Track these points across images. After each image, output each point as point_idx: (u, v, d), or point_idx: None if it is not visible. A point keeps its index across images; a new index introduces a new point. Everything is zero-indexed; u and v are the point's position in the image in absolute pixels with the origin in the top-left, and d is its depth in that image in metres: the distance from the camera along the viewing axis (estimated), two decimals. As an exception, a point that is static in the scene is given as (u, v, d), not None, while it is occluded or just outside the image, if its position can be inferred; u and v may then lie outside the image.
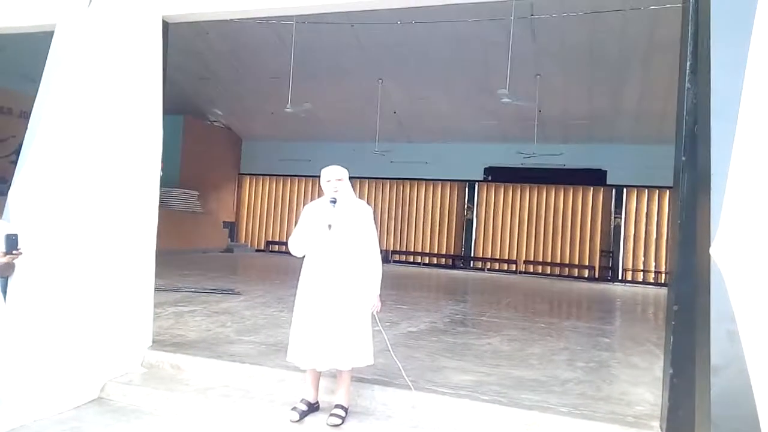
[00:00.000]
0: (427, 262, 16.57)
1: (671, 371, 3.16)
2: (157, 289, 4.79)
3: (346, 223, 3.57)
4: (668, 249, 13.06)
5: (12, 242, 3.13)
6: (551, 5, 9.38)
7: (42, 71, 4.21)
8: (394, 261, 16.31)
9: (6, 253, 3.13)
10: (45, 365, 3.62)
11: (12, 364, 3.25)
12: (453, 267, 16.09)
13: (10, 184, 3.85)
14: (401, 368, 3.84)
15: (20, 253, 3.17)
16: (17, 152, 4.11)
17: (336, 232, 3.53)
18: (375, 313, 3.63)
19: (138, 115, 4.41)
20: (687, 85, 3.22)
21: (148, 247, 4.49)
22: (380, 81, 12.97)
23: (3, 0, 4.84)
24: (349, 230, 3.57)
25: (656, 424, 3.42)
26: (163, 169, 4.68)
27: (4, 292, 3.36)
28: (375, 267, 3.60)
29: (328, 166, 3.68)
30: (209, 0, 4.56)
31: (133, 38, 4.41)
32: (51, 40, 4.34)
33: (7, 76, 11.90)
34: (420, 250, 16.70)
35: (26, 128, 4.03)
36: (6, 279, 3.36)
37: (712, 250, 2.59)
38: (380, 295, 3.64)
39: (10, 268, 3.28)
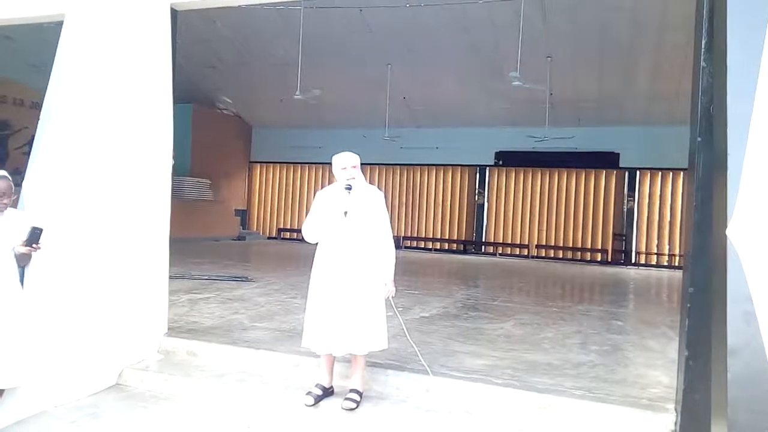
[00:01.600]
0: (438, 247, 16.57)
1: (687, 353, 3.14)
2: (171, 277, 4.83)
3: (361, 209, 3.57)
4: (683, 231, 12.97)
5: (35, 236, 3.16)
6: (562, -15, 9.25)
7: (52, 62, 4.22)
8: (406, 247, 16.31)
9: (27, 245, 3.16)
10: (63, 352, 3.67)
11: (31, 351, 3.30)
12: (464, 252, 16.07)
13: (24, 175, 3.88)
14: (418, 352, 3.85)
15: (39, 248, 3.21)
16: (30, 143, 4.14)
17: (351, 218, 3.53)
18: (390, 297, 3.64)
19: (148, 105, 4.41)
20: (702, 63, 3.16)
21: (161, 236, 4.52)
22: (389, 66, 12.88)
23: (11, -9, 4.84)
24: (364, 216, 3.57)
25: (672, 406, 3.41)
26: (174, 158, 4.70)
27: (22, 281, 3.40)
28: (388, 252, 3.61)
29: (339, 153, 3.67)
30: (217, -13, 4.53)
31: (142, 27, 4.40)
32: (60, 31, 4.34)
33: (17, 66, 11.96)
34: (431, 236, 16.69)
35: (38, 119, 4.05)
36: (23, 268, 3.40)
37: (728, 231, 2.56)
38: (394, 281, 3.64)
39: (27, 258, 3.32)
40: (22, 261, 3.33)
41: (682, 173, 13.64)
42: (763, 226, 2.54)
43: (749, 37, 2.75)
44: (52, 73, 4.18)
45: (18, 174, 3.60)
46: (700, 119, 3.15)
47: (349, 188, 3.54)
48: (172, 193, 4.68)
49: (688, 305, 3.16)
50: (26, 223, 3.22)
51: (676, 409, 3.31)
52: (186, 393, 3.92)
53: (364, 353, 3.59)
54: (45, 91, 4.13)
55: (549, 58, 11.40)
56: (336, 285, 3.53)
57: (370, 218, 3.59)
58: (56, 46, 4.26)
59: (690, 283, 3.15)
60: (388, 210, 3.76)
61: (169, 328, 4.64)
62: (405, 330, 3.93)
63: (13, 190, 3.28)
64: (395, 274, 3.65)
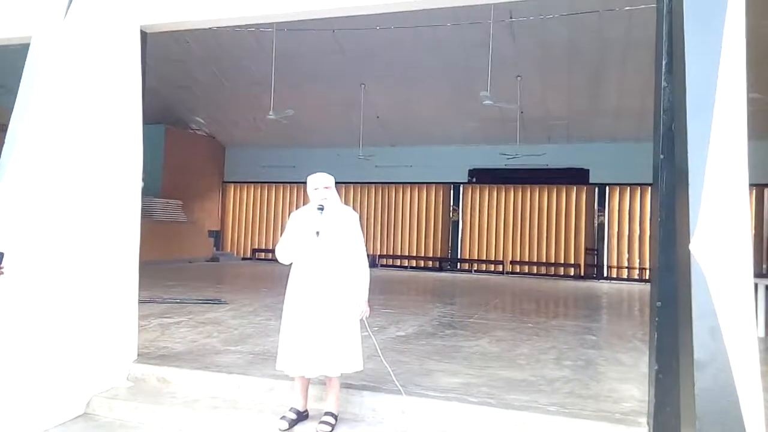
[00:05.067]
0: (414, 265, 16.60)
1: (656, 367, 3.19)
2: (141, 301, 4.73)
3: (334, 229, 3.56)
4: (650, 246, 13.22)
5: None
6: (529, 7, 9.47)
7: (18, 83, 4.16)
8: (381, 265, 16.31)
9: (-13, 270, 3.08)
10: (29, 381, 3.56)
11: (-7, 382, 3.20)
12: (440, 269, 16.13)
13: (-13, 199, 3.79)
14: (391, 372, 3.83)
15: (2, 272, 3.12)
16: (-6, 166, 4.05)
17: (324, 238, 3.53)
18: (364, 318, 3.62)
19: (118, 126, 4.36)
20: (663, 83, 3.26)
21: (131, 259, 4.44)
22: (363, 86, 13.00)
23: (-23, 13, 4.77)
24: (337, 237, 3.56)
25: (644, 420, 3.45)
26: (144, 180, 4.64)
27: (-16, 310, 3.30)
28: (363, 272, 3.60)
29: (314, 173, 3.68)
30: (187, 9, 4.52)
31: (111, 49, 4.37)
32: (27, 52, 4.28)
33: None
34: (407, 254, 16.72)
35: (3, 141, 3.97)
36: (-15, 296, 3.31)
37: (691, 246, 2.63)
38: (368, 300, 3.63)
39: (-11, 284, 3.23)
40: (-15, 288, 3.23)
41: (650, 188, 13.94)
42: (726, 241, 2.61)
43: (707, 57, 2.86)
44: (18, 95, 4.11)
45: (-19, 198, 3.51)
46: (662, 137, 3.24)
47: (321, 209, 3.54)
48: (142, 215, 4.61)
49: (657, 319, 3.21)
50: None
51: (648, 423, 3.35)
52: (156, 421, 3.82)
53: (337, 375, 3.56)
54: (10, 113, 4.05)
55: (519, 77, 11.65)
56: (309, 306, 3.50)
57: (343, 238, 3.58)
58: (23, 68, 4.20)
59: (658, 298, 3.21)
60: (363, 230, 3.77)
61: (139, 354, 4.54)
62: (378, 351, 3.91)
63: None
64: (370, 294, 3.64)
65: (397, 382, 3.80)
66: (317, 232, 3.51)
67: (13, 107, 4.07)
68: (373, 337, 3.88)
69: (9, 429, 3.41)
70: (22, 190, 3.78)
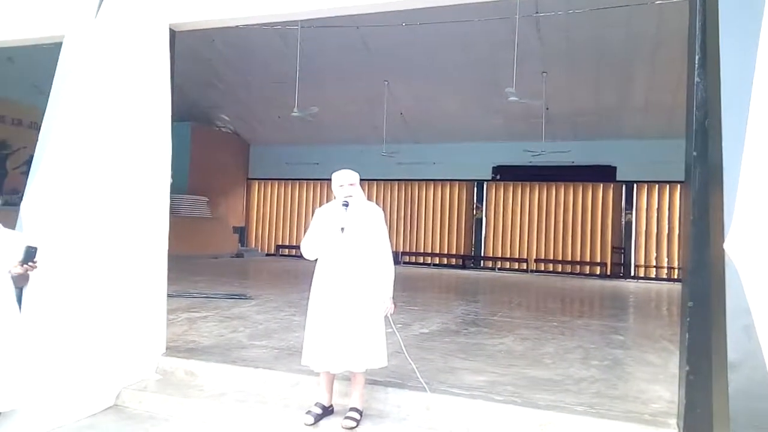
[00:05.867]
0: (437, 262, 16.56)
1: (687, 368, 3.13)
2: (169, 296, 4.81)
3: (359, 226, 3.57)
4: (681, 245, 12.95)
5: (30, 254, 3.16)
6: (556, 2, 9.35)
7: (51, 83, 4.25)
8: (404, 262, 16.29)
9: (22, 264, 3.16)
10: (61, 374, 3.65)
11: (29, 373, 3.27)
12: (463, 267, 16.05)
13: (22, 195, 3.89)
14: (415, 369, 3.83)
15: (35, 266, 3.20)
16: (28, 163, 4.15)
17: (348, 235, 3.54)
18: (388, 315, 3.63)
19: (147, 124, 4.43)
20: (696, 78, 3.19)
21: (160, 254, 4.52)
22: (386, 83, 12.98)
23: (11, 13, 4.89)
24: (362, 233, 3.57)
25: (673, 421, 3.39)
26: (173, 177, 4.71)
27: (19, 302, 3.39)
28: (387, 269, 3.60)
29: (338, 170, 3.69)
30: (215, 8, 4.57)
31: (141, 48, 4.44)
32: (59, 52, 4.38)
33: (17, 87, 12.03)
34: (430, 251, 16.68)
35: (37, 139, 4.07)
36: (21, 289, 3.39)
37: (726, 245, 2.57)
38: (393, 297, 3.63)
39: (25, 279, 3.31)
40: (20, 282, 3.32)
41: (679, 186, 13.69)
42: (761, 239, 2.55)
43: (742, 51, 2.78)
44: (51, 94, 4.21)
45: (16, 194, 3.61)
46: (695, 133, 3.17)
47: (346, 205, 3.56)
48: (170, 211, 4.68)
49: (688, 319, 3.15)
50: (20, 243, 3.22)
51: (678, 425, 3.29)
52: (184, 413, 3.88)
53: (361, 371, 3.57)
54: (44, 112, 4.15)
55: (544, 74, 11.51)
56: (334, 302, 3.52)
57: (367, 235, 3.59)
58: (55, 67, 4.29)
59: (689, 297, 3.15)
60: (387, 226, 3.77)
61: (167, 348, 4.61)
62: (403, 347, 3.90)
63: None
64: (394, 290, 3.65)
65: (421, 379, 3.80)
66: (342, 228, 3.52)
67: (46, 106, 4.16)
68: (397, 333, 3.88)
69: (43, 419, 3.50)
70: (55, 186, 3.87)
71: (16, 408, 3.25)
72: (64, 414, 3.65)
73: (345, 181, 3.62)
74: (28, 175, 3.98)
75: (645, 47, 10.51)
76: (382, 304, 3.57)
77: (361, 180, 3.74)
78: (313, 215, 3.76)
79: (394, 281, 3.64)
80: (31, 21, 4.83)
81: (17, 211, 3.77)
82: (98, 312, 3.97)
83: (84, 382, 3.82)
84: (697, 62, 3.19)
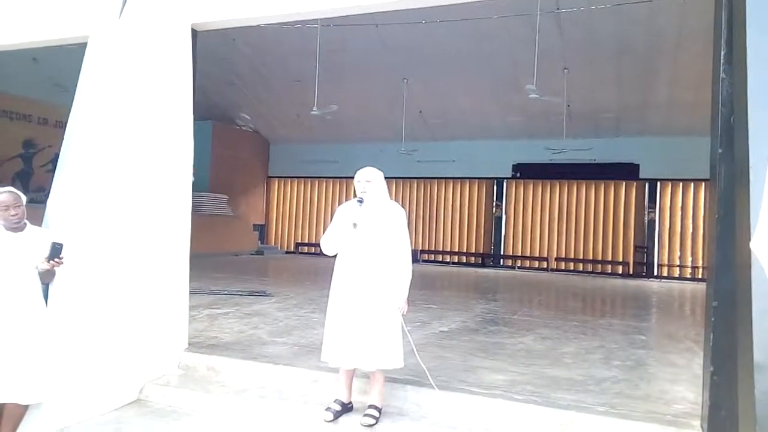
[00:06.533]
0: (456, 261, 16.50)
1: (712, 369, 3.08)
2: (191, 293, 4.87)
3: (373, 223, 3.57)
4: (706, 243, 12.73)
5: (57, 250, 3.23)
6: (578, -2, 9.24)
7: (76, 82, 4.33)
8: (423, 260, 16.26)
9: (49, 260, 3.22)
10: (86, 368, 3.72)
11: (54, 367, 3.34)
12: (483, 265, 15.97)
13: (48, 193, 3.97)
14: (426, 370, 3.75)
15: (62, 263, 3.27)
16: (54, 161, 4.24)
17: (362, 231, 3.55)
18: (402, 315, 3.60)
19: (170, 123, 4.49)
20: (722, 75, 3.13)
21: (182, 252, 4.57)
22: (405, 81, 12.96)
23: (36, 14, 4.98)
24: (376, 230, 3.57)
25: (697, 423, 3.33)
26: (194, 175, 4.76)
27: (46, 298, 3.46)
28: (404, 269, 3.56)
29: (362, 167, 3.71)
30: (236, 7, 4.61)
31: (164, 47, 4.50)
32: (84, 52, 4.45)
33: (43, 87, 12.26)
34: (449, 249, 16.63)
35: (62, 138, 4.14)
36: (47, 285, 3.46)
37: (752, 244, 2.51)
38: (408, 298, 3.61)
39: (51, 275, 3.38)
40: (46, 278, 3.39)
41: (704, 184, 13.45)
42: (789, 238, 2.49)
43: (770, 47, 2.72)
44: (76, 93, 4.28)
45: (42, 191, 3.68)
46: (720, 130, 3.12)
47: (360, 201, 3.58)
48: (192, 209, 4.74)
49: (713, 319, 3.10)
50: (47, 240, 3.29)
51: (701, 426, 3.24)
52: (206, 408, 3.93)
53: (371, 369, 3.57)
54: (69, 111, 4.22)
55: (566, 70, 11.38)
56: (348, 298, 3.54)
57: (382, 232, 3.57)
58: (80, 67, 4.37)
59: (714, 297, 3.10)
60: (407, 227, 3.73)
61: (189, 344, 4.67)
62: (415, 350, 3.78)
63: (21, 203, 3.30)
64: (412, 288, 3.62)
65: (431, 380, 3.75)
66: (354, 224, 3.55)
67: (70, 105, 4.24)
68: (409, 335, 3.78)
69: (69, 412, 3.58)
70: (80, 185, 3.93)
71: (42, 401, 3.32)
72: (89, 407, 3.72)
73: (362, 177, 3.64)
74: (54, 174, 4.06)
75: (667, 43, 10.34)
76: (395, 304, 3.54)
77: (381, 178, 3.73)
78: (333, 213, 3.77)
79: (412, 280, 3.61)
80: (56, 22, 4.92)
81: (44, 209, 3.85)
82: (122, 308, 4.03)
83: (108, 376, 3.89)
84: (722, 57, 3.13)
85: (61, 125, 4.24)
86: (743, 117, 2.74)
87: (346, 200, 3.83)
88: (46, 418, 3.43)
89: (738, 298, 2.75)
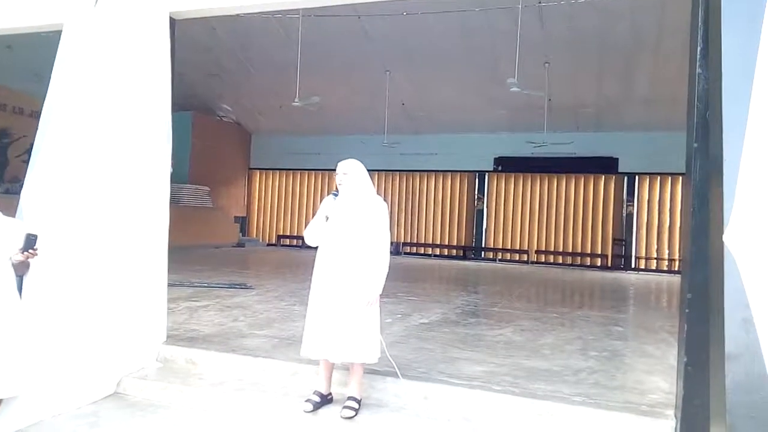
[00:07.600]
0: (437, 253, 16.57)
1: (686, 359, 3.14)
2: (170, 285, 4.82)
3: (349, 216, 3.57)
4: (681, 236, 12.99)
5: (31, 242, 3.17)
6: (559, -8, 9.29)
7: (51, 70, 4.24)
8: (405, 253, 16.31)
9: (23, 251, 3.17)
10: (62, 361, 3.67)
11: (29, 360, 3.29)
12: (464, 258, 16.07)
13: (22, 184, 3.89)
14: (390, 358, 3.75)
15: (36, 254, 3.21)
16: (29, 152, 4.15)
17: (336, 224, 3.57)
18: (369, 308, 3.54)
19: (147, 113, 4.42)
20: (698, 70, 3.17)
21: (160, 243, 4.52)
22: (388, 72, 12.93)
23: (10, 1, 4.86)
24: (351, 224, 3.56)
25: (671, 412, 3.40)
26: (173, 166, 4.70)
27: (20, 290, 3.40)
28: (380, 264, 3.52)
29: (343, 159, 3.71)
30: (215, -5, 4.55)
31: (141, 36, 4.42)
32: (59, 40, 4.36)
33: (17, 75, 12.01)
34: (431, 242, 16.70)
35: (37, 128, 4.06)
36: (21, 277, 3.40)
37: (725, 237, 2.57)
38: (386, 291, 3.61)
39: (25, 266, 3.32)
40: (20, 270, 3.32)
41: (681, 178, 13.66)
42: (760, 232, 2.55)
43: (744, 43, 2.77)
44: (50, 82, 4.19)
45: (17, 182, 3.61)
46: (696, 125, 3.16)
47: (335, 194, 3.61)
48: (171, 201, 4.69)
49: (687, 311, 3.16)
50: (21, 231, 3.23)
51: (675, 415, 3.31)
52: (185, 401, 3.91)
53: (338, 362, 3.59)
54: (44, 100, 4.14)
55: (547, 64, 11.45)
56: (325, 291, 3.56)
57: (357, 226, 3.56)
58: (55, 55, 4.28)
59: (688, 289, 3.16)
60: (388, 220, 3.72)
61: (168, 336, 4.63)
62: (384, 345, 3.74)
63: None
64: (393, 281, 3.62)
65: (397, 369, 3.80)
66: (326, 217, 3.58)
67: (45, 94, 4.15)
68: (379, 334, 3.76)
69: (44, 406, 3.53)
70: (55, 175, 3.86)
71: (17, 395, 3.27)
72: (64, 401, 3.67)
73: (340, 170, 3.65)
74: (28, 164, 3.98)
75: (648, 38, 10.44)
76: (365, 297, 3.49)
77: (362, 171, 3.73)
78: (315, 205, 3.76)
79: (392, 273, 3.62)
80: (31, 8, 4.80)
81: (18, 200, 3.77)
82: (99, 300, 3.98)
83: (85, 369, 3.84)
84: (699, 54, 3.18)
85: (37, 115, 4.15)
86: (718, 112, 2.79)
87: (328, 193, 3.83)
88: (21, 412, 3.38)
89: (711, 290, 2.80)
